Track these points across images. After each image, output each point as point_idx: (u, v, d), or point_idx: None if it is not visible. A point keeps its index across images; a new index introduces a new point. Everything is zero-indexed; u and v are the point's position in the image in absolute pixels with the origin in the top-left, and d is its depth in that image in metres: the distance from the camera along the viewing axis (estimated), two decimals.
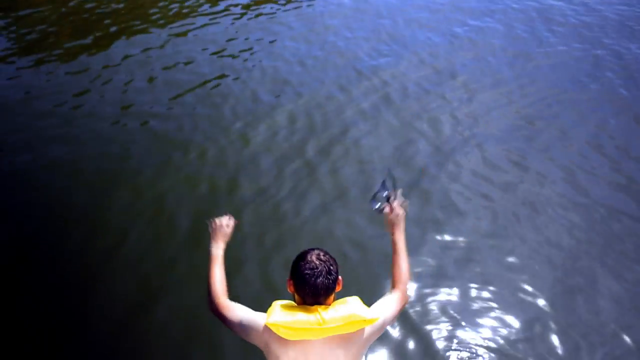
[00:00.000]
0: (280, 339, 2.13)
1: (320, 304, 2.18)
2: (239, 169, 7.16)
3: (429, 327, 5.06)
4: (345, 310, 2.15)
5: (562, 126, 8.10)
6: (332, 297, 2.24)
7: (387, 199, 2.68)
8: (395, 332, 4.98)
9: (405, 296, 2.50)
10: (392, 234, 2.63)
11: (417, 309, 5.23)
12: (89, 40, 10.71)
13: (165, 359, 4.85)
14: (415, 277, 5.51)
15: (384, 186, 2.75)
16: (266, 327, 2.15)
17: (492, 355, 4.83)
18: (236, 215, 3.14)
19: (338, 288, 2.27)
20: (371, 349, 4.73)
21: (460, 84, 9.26)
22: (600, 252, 5.92)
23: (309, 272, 2.16)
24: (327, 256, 2.25)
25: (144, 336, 5.00)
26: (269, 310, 2.18)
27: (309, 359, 2.15)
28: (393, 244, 2.61)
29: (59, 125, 8.22)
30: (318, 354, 2.15)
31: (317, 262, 2.19)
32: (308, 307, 2.17)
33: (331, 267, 2.22)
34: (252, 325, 2.23)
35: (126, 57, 10.05)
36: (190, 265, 5.63)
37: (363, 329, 2.20)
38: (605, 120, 8.26)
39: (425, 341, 4.93)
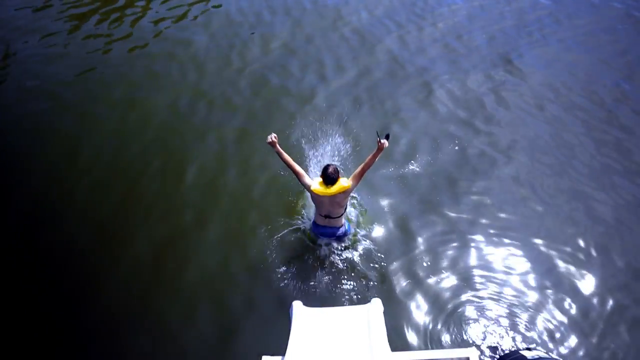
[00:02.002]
0: (315, 194, 4.97)
1: (332, 184, 4.85)
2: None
3: (440, 276, 5.26)
4: (338, 184, 4.86)
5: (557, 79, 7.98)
6: (338, 180, 4.87)
7: (385, 137, 4.81)
8: (421, 274, 5.26)
9: (362, 173, 4.92)
10: (374, 154, 4.86)
11: (428, 259, 5.41)
12: None
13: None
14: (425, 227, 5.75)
15: (380, 134, 4.92)
16: (311, 190, 4.94)
17: (503, 303, 5.02)
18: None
19: (339, 179, 4.88)
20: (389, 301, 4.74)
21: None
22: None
23: (327, 173, 4.83)
24: (336, 167, 4.90)
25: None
26: (313, 187, 4.92)
27: (326, 200, 5.01)
28: (371, 156, 4.87)
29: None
30: (329, 199, 4.98)
31: (331, 169, 4.84)
32: (326, 185, 4.88)
33: (336, 171, 4.88)
34: (308, 186, 5.00)
35: None
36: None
37: (346, 190, 4.90)
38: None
39: (434, 292, 5.13)
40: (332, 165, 4.88)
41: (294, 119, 6.98)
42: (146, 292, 5.22)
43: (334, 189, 4.82)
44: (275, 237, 5.60)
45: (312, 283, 5.20)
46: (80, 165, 6.55)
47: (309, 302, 4.90)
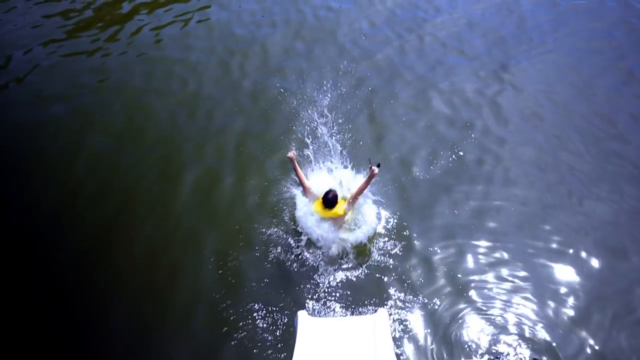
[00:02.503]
0: (314, 213, 5.45)
1: (330, 208, 5.29)
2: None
3: (436, 285, 5.25)
4: (334, 210, 5.32)
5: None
6: (335, 206, 5.32)
7: (377, 165, 5.21)
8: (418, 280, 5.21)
9: (355, 200, 5.42)
10: (367, 180, 5.29)
11: (423, 269, 5.40)
12: None
13: None
14: (423, 235, 5.75)
15: (372, 161, 5.37)
16: (311, 207, 5.43)
17: (502, 317, 5.01)
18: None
19: (337, 203, 5.34)
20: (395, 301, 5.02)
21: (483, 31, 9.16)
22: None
23: (327, 198, 5.24)
24: (336, 193, 5.30)
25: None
26: (314, 204, 5.42)
27: (325, 222, 5.39)
28: (364, 183, 5.33)
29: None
30: (328, 221, 5.38)
31: (331, 195, 5.26)
32: (326, 208, 5.32)
33: (335, 198, 5.30)
34: (310, 201, 5.48)
35: None
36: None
37: (342, 215, 5.38)
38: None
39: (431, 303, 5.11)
40: (333, 191, 5.30)
41: (293, 126, 7.00)
42: (144, 295, 5.26)
43: (330, 213, 5.32)
44: (276, 245, 5.61)
45: (317, 293, 5.19)
46: (79, 170, 6.61)
47: (314, 312, 4.93)
